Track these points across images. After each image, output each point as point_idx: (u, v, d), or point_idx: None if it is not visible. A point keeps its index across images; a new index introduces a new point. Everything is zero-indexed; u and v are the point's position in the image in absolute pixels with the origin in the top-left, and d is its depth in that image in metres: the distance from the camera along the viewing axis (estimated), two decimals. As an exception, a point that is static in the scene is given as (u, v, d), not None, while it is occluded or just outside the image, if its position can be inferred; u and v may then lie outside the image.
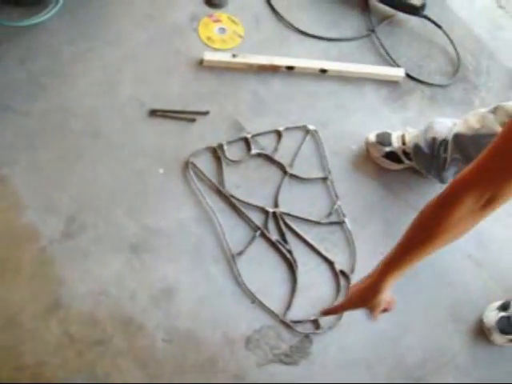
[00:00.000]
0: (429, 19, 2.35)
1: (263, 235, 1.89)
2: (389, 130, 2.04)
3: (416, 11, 2.34)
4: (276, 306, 1.81)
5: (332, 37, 2.27)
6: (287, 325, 1.80)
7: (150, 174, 1.91)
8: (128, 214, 1.84)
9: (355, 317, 1.81)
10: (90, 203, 1.84)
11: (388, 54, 2.26)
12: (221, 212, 1.89)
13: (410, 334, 1.86)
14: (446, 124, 1.90)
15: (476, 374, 1.85)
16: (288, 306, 1.81)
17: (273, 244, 1.88)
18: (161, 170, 1.92)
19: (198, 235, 1.86)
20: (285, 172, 1.98)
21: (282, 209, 1.92)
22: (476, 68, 2.34)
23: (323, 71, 2.16)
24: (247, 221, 1.90)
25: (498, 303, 1.89)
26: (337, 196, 1.98)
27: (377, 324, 1.79)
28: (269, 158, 2.00)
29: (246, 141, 2.00)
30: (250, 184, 1.96)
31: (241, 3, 2.26)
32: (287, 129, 2.04)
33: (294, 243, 1.89)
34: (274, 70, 2.13)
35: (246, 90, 2.10)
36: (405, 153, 1.98)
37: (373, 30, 2.31)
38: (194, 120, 2.01)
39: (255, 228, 1.89)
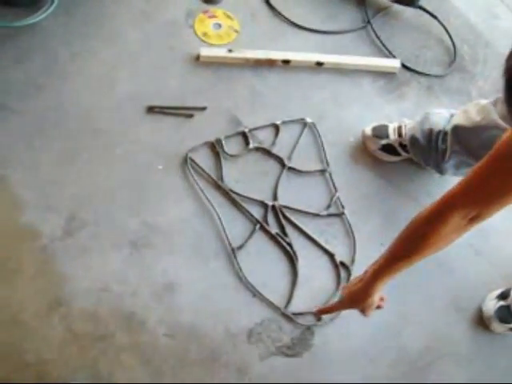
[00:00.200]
0: (424, 10, 2.35)
1: (263, 229, 1.89)
2: (385, 123, 2.03)
3: (411, 2, 2.33)
4: (277, 298, 1.81)
5: (328, 29, 2.27)
6: (289, 317, 1.80)
7: (148, 171, 1.91)
8: (128, 210, 1.85)
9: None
10: (89, 201, 1.84)
11: (384, 45, 2.26)
12: (220, 206, 1.89)
13: (411, 324, 1.87)
14: (443, 115, 1.89)
15: (478, 362, 1.86)
16: (289, 299, 1.82)
17: (273, 237, 1.89)
18: (160, 166, 1.93)
19: (197, 230, 1.86)
20: (283, 165, 1.99)
21: (281, 202, 1.93)
22: (472, 58, 2.35)
23: (319, 64, 2.16)
24: (247, 215, 1.90)
25: (498, 292, 1.90)
26: (335, 188, 1.98)
27: (378, 315, 1.81)
28: (267, 152, 2.01)
29: (244, 135, 2.01)
30: (249, 178, 1.96)
31: (236, -2, 2.27)
32: (285, 122, 2.05)
33: (293, 236, 1.90)
34: (270, 64, 2.14)
35: (242, 84, 2.11)
36: (401, 145, 1.98)
37: (368, 22, 2.31)
38: (191, 116, 2.01)
39: (255, 222, 1.89)
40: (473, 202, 1.22)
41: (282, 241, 1.88)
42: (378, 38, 2.28)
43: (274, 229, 1.89)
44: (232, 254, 1.84)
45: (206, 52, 2.10)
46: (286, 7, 2.27)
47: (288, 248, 1.87)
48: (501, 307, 1.85)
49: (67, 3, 2.09)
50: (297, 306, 1.82)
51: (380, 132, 2.01)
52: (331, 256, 1.90)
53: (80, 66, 2.03)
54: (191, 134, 1.98)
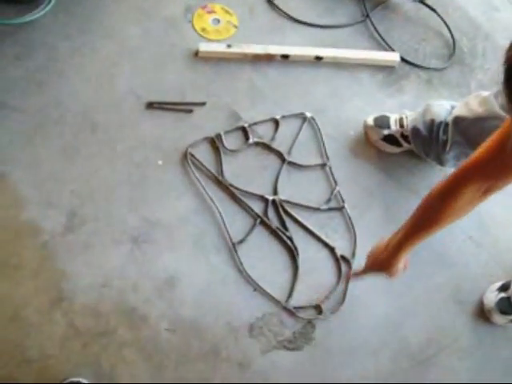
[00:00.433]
0: (423, 3, 2.36)
1: (263, 223, 1.90)
2: (387, 113, 2.04)
3: (410, -5, 2.34)
4: (278, 292, 1.82)
5: (326, 24, 2.27)
6: (290, 311, 1.81)
7: (148, 166, 1.92)
8: (128, 206, 1.85)
9: (357, 301, 1.84)
10: (90, 197, 1.84)
11: (383, 38, 2.27)
12: (220, 201, 1.89)
13: (412, 317, 1.87)
14: (444, 106, 1.90)
15: (479, 354, 1.87)
16: (290, 293, 1.82)
17: (273, 231, 1.89)
18: (160, 162, 1.93)
19: (198, 225, 1.87)
20: (283, 160, 1.99)
21: (281, 196, 1.93)
22: (472, 50, 2.35)
23: (318, 58, 2.16)
24: (247, 209, 1.91)
25: (499, 284, 1.90)
26: (336, 182, 1.99)
27: (379, 308, 1.82)
28: (267, 147, 2.01)
29: (244, 130, 2.01)
30: (249, 173, 1.97)
31: (234, -7, 2.27)
32: (284, 117, 2.05)
33: (294, 230, 1.90)
34: (269, 58, 2.14)
35: (241, 79, 2.11)
36: (403, 136, 1.98)
37: (367, 16, 2.31)
38: (191, 111, 2.02)
39: (255, 216, 1.90)
40: (486, 175, 1.23)
41: (282, 235, 1.88)
42: (377, 31, 2.27)
43: (274, 223, 1.90)
44: (233, 248, 1.84)
45: (204, 47, 2.10)
46: (285, 2, 2.27)
47: (288, 242, 1.88)
48: (502, 299, 1.85)
49: (66, 0, 2.09)
50: (298, 299, 1.82)
51: (382, 122, 2.01)
52: (332, 250, 1.90)
53: (80, 62, 2.03)
54: (191, 130, 1.99)
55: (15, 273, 1.73)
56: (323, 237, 1.91)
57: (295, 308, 1.81)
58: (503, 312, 1.84)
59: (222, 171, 1.94)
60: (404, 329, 1.86)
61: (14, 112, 1.92)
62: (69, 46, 2.05)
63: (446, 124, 1.85)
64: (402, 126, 1.98)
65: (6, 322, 1.68)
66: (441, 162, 1.96)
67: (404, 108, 2.09)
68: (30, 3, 2.04)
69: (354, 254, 1.90)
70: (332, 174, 2.00)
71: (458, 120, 1.80)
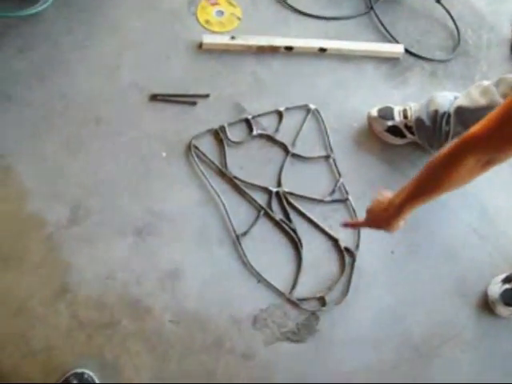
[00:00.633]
0: (427, -6, 2.35)
1: (267, 215, 1.90)
2: (391, 105, 2.03)
3: (414, -13, 2.33)
4: (282, 284, 1.82)
5: (330, 15, 2.26)
6: (293, 303, 1.81)
7: (152, 158, 1.92)
8: (132, 198, 1.86)
9: (361, 293, 1.84)
10: (94, 189, 1.85)
11: (387, 30, 2.26)
12: (224, 193, 1.90)
13: (416, 309, 1.87)
14: (448, 97, 1.90)
15: (483, 346, 1.86)
16: (294, 284, 1.83)
17: (277, 223, 1.89)
18: (164, 154, 1.93)
19: (202, 217, 1.87)
20: (287, 152, 1.99)
21: (285, 188, 1.93)
22: (476, 42, 2.33)
23: (322, 50, 2.16)
24: (251, 201, 1.91)
25: (503, 276, 1.90)
26: (339, 174, 1.98)
27: (382, 300, 1.82)
28: (271, 139, 2.01)
29: (248, 122, 2.01)
30: (253, 165, 1.96)
31: (238, -15, 2.26)
32: (288, 109, 2.05)
33: (298, 222, 1.90)
34: (273, 50, 2.13)
35: (245, 71, 2.11)
36: (407, 127, 1.98)
37: (371, 8, 2.30)
38: (194, 103, 2.02)
39: (259, 208, 1.90)
40: (486, 146, 1.23)
41: (286, 227, 1.88)
42: (381, 23, 2.27)
43: (278, 215, 1.90)
44: (236, 240, 1.84)
45: (208, 39, 2.10)
46: (289, -7, 2.27)
47: (292, 234, 1.88)
48: (506, 290, 1.85)
49: (69, -7, 2.10)
50: (301, 291, 1.83)
51: (385, 113, 2.01)
52: (335, 241, 1.90)
53: (83, 55, 2.04)
54: (195, 122, 1.99)
55: (20, 265, 1.74)
56: (327, 228, 1.91)
57: (299, 300, 1.81)
58: (507, 303, 1.84)
59: (225, 163, 1.94)
60: (407, 321, 1.85)
61: (19, 105, 1.93)
62: (72, 39, 2.05)
63: (449, 115, 1.85)
64: (405, 117, 1.98)
65: (11, 313, 1.69)
66: (444, 153, 1.95)
67: (408, 100, 2.08)
68: (33, -4, 2.04)
69: (357, 246, 1.90)
70: (336, 166, 1.99)
71: (459, 110, 1.81)
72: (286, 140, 2.01)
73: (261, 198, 1.91)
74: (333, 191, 1.96)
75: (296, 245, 1.87)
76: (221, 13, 2.19)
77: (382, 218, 1.53)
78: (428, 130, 1.91)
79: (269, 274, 1.82)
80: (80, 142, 1.91)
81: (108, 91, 1.99)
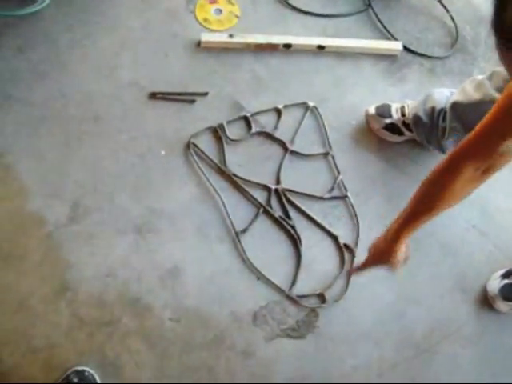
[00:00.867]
0: (425, -9, 2.35)
1: (266, 212, 1.90)
2: (388, 102, 2.04)
3: (412, -16, 2.33)
4: (281, 281, 1.83)
5: (329, 13, 2.27)
6: (293, 300, 1.81)
7: (151, 156, 1.92)
8: (131, 196, 1.86)
9: (361, 290, 1.84)
10: (93, 187, 1.85)
11: (385, 27, 2.26)
12: (223, 191, 1.90)
13: (416, 306, 1.87)
14: (445, 93, 1.90)
15: (483, 342, 1.86)
16: (293, 281, 1.83)
17: (276, 220, 1.89)
18: (162, 152, 1.93)
19: (201, 214, 1.87)
20: (286, 149, 1.99)
21: (284, 185, 1.93)
22: (474, 38, 2.33)
23: (321, 48, 2.16)
24: (250, 198, 1.91)
25: (502, 271, 1.90)
26: (338, 171, 1.99)
27: (382, 297, 1.82)
28: (269, 136, 2.01)
29: (246, 120, 2.01)
30: (252, 162, 1.97)
31: (236, -17, 2.26)
32: (287, 106, 2.05)
33: (297, 219, 1.90)
34: (271, 48, 2.14)
35: (244, 69, 2.11)
36: (405, 124, 1.98)
37: (369, 5, 2.30)
38: (193, 101, 2.02)
39: (258, 205, 1.90)
40: (482, 153, 1.22)
41: (285, 224, 1.89)
42: (380, 20, 2.27)
43: (277, 212, 1.90)
44: (236, 237, 1.85)
45: (207, 37, 2.10)
46: (287, -9, 2.27)
47: (291, 231, 1.88)
48: (505, 285, 1.85)
49: (67, -9, 2.10)
50: (301, 288, 1.83)
51: (383, 111, 2.01)
52: (335, 238, 1.90)
53: (82, 53, 2.04)
54: (193, 120, 1.99)
55: (20, 263, 1.75)
56: (326, 225, 1.91)
57: (298, 296, 1.82)
58: (506, 298, 1.84)
59: (224, 161, 1.94)
60: (407, 317, 1.86)
61: (18, 103, 1.93)
62: (71, 38, 2.06)
63: (446, 111, 1.85)
64: (403, 114, 1.98)
65: (11, 311, 1.69)
66: (442, 150, 1.96)
67: (406, 97, 2.08)
68: (31, -5, 2.05)
69: (357, 243, 1.90)
70: (335, 163, 2.00)
71: (455, 106, 1.81)
72: (285, 137, 2.01)
73: (260, 196, 1.92)
74: (332, 188, 1.96)
75: (295, 242, 1.87)
76: (219, 11, 2.19)
77: (381, 250, 1.50)
78: (425, 126, 1.92)
79: (268, 270, 1.83)
80: (79, 140, 1.91)
81: (107, 90, 2.00)
